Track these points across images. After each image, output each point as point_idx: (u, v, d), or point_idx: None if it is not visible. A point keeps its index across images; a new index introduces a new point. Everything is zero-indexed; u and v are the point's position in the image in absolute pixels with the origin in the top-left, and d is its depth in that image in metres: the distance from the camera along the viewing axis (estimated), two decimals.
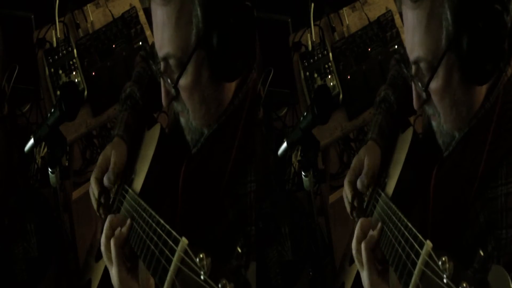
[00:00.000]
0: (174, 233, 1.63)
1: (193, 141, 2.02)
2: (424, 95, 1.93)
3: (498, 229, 1.85)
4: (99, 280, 2.90)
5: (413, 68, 1.93)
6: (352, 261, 3.13)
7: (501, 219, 1.86)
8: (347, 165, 3.63)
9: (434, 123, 1.99)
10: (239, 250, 1.47)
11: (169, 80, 1.96)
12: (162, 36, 1.95)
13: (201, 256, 1.49)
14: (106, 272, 1.94)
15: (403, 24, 3.64)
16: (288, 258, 3.47)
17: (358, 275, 1.96)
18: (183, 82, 1.95)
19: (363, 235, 1.93)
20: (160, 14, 1.94)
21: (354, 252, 1.93)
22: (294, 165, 3.57)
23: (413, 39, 1.91)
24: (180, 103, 2.00)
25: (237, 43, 1.93)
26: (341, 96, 3.56)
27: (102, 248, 1.89)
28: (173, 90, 1.97)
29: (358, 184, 2.09)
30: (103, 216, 2.10)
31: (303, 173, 2.96)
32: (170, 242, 1.62)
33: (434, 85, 1.91)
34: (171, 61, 1.95)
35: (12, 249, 3.40)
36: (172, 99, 2.00)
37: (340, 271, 3.39)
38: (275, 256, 3.45)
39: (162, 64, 1.97)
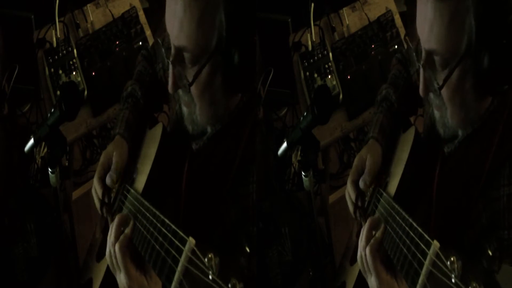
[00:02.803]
0: (180, 232, 1.62)
1: (193, 132, 2.03)
2: (435, 85, 1.92)
3: (500, 230, 1.85)
4: (101, 280, 2.89)
5: (424, 55, 1.92)
6: (353, 261, 3.13)
7: (503, 219, 1.86)
8: (347, 165, 3.63)
9: (436, 112, 1.99)
10: (248, 250, 1.47)
11: (180, 71, 1.96)
12: (180, 28, 1.94)
13: (209, 256, 1.49)
14: (107, 271, 1.94)
15: (402, 23, 3.65)
16: (288, 258, 3.47)
17: (360, 275, 1.96)
18: (196, 87, 1.96)
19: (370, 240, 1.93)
20: (181, 5, 1.93)
21: (359, 259, 1.93)
22: (294, 165, 3.57)
23: (430, 30, 1.89)
24: (188, 96, 2.00)
25: (252, 60, 1.95)
26: (341, 96, 3.56)
27: (107, 256, 1.88)
28: (185, 83, 1.97)
29: (361, 183, 2.09)
30: (106, 216, 2.09)
31: (303, 173, 2.96)
32: (177, 242, 1.62)
33: (445, 92, 1.91)
34: (186, 55, 1.95)
35: (12, 249, 3.40)
36: (179, 88, 2.00)
37: (340, 271, 3.39)
38: (275, 256, 3.45)
39: (173, 51, 1.97)
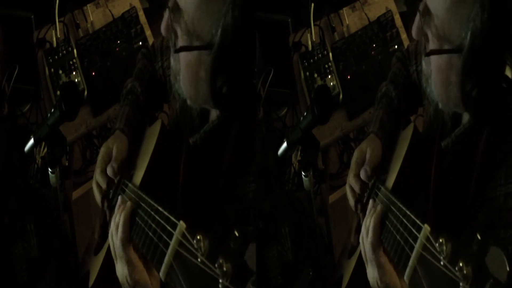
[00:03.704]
0: (172, 218, 1.63)
1: (175, 86, 2.01)
2: (424, 44, 1.91)
3: (496, 229, 1.84)
4: (97, 272, 2.89)
5: (424, 7, 1.90)
6: (350, 254, 3.13)
7: (499, 219, 1.85)
8: (347, 165, 3.63)
9: (424, 64, 1.97)
10: (236, 234, 1.47)
11: (176, 28, 1.94)
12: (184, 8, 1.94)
13: (198, 237, 1.49)
14: (104, 264, 1.94)
15: (402, 22, 3.66)
16: (288, 258, 3.47)
17: (356, 267, 1.97)
18: (185, 58, 1.94)
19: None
20: None
21: (361, 245, 1.94)
22: (294, 165, 3.57)
23: (433, 3, 1.88)
24: (176, 60, 1.98)
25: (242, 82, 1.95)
26: (341, 96, 3.56)
27: (110, 239, 1.89)
28: (173, 43, 1.95)
29: (362, 174, 2.10)
30: (106, 210, 2.10)
31: (303, 173, 2.96)
32: (168, 227, 1.63)
33: (434, 59, 1.89)
34: (183, 23, 1.93)
35: (12, 249, 3.40)
36: (169, 34, 1.98)
37: (339, 267, 3.39)
38: (275, 256, 3.45)
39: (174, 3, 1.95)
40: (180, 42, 1.95)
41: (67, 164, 3.51)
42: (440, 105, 1.95)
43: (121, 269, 1.87)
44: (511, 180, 1.84)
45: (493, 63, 1.87)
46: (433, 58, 1.91)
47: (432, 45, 1.90)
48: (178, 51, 1.95)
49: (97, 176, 2.11)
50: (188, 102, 2.00)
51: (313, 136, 2.82)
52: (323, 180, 3.55)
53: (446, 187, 1.95)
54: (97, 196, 2.13)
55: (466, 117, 1.96)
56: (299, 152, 3.31)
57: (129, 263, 1.85)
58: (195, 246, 1.50)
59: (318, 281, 3.45)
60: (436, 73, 1.91)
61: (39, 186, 3.50)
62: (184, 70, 1.96)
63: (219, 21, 1.90)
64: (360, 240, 1.96)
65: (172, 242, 1.59)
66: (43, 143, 3.05)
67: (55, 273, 3.44)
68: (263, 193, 3.44)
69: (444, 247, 1.52)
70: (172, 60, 2.00)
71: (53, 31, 3.48)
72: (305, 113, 2.76)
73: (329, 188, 3.56)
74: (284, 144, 2.83)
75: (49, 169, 2.87)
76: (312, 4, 3.55)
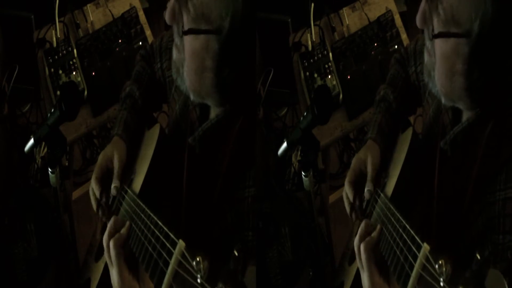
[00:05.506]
0: (172, 235, 1.62)
1: (177, 83, 1.97)
2: (430, 29, 1.86)
3: (495, 234, 1.83)
4: (98, 280, 2.90)
5: None
6: (351, 261, 3.13)
7: (498, 224, 1.83)
8: (347, 165, 3.63)
9: (426, 54, 1.92)
10: (236, 254, 1.47)
11: (183, 13, 1.89)
12: None
13: (198, 259, 1.49)
14: (105, 271, 1.95)
15: (402, 23, 3.66)
16: (288, 258, 3.47)
17: (357, 275, 1.97)
18: (191, 46, 1.92)
19: (366, 235, 1.92)
20: None
21: (356, 252, 1.92)
22: (294, 165, 3.57)
23: None
24: (180, 42, 1.94)
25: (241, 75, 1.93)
26: (341, 96, 3.56)
27: (105, 246, 1.89)
28: (180, 28, 1.91)
29: (366, 194, 2.08)
30: (103, 218, 2.09)
31: (303, 173, 2.96)
32: (168, 245, 1.62)
33: (440, 46, 1.85)
34: (191, 6, 1.89)
35: (12, 249, 3.40)
36: (174, 22, 1.93)
37: (339, 271, 3.39)
38: (275, 256, 3.45)
39: None
40: (187, 28, 1.91)
41: (67, 164, 3.51)
42: (443, 100, 1.90)
43: (114, 277, 1.87)
44: (509, 185, 1.82)
45: (502, 51, 1.83)
46: (439, 45, 1.85)
47: (438, 30, 1.84)
48: (186, 33, 1.89)
49: (93, 184, 2.10)
50: (191, 96, 1.96)
51: (313, 136, 2.82)
52: (323, 180, 3.55)
53: (447, 191, 1.93)
54: (94, 204, 2.13)
55: (465, 116, 1.94)
56: (299, 152, 3.30)
57: (120, 275, 1.85)
58: (195, 267, 1.49)
59: (318, 281, 3.45)
60: (441, 61, 1.85)
61: (39, 186, 3.51)
62: (190, 59, 1.92)
63: (230, 4, 1.86)
64: (355, 249, 1.94)
65: (172, 262, 1.58)
66: (43, 143, 3.05)
67: (55, 273, 3.44)
68: (263, 193, 3.44)
69: (444, 269, 1.51)
70: (175, 52, 1.96)
71: (53, 31, 3.48)
72: (305, 113, 2.76)
73: (329, 188, 3.56)
74: (284, 144, 2.83)
75: (49, 169, 2.87)
76: (312, 4, 3.54)
